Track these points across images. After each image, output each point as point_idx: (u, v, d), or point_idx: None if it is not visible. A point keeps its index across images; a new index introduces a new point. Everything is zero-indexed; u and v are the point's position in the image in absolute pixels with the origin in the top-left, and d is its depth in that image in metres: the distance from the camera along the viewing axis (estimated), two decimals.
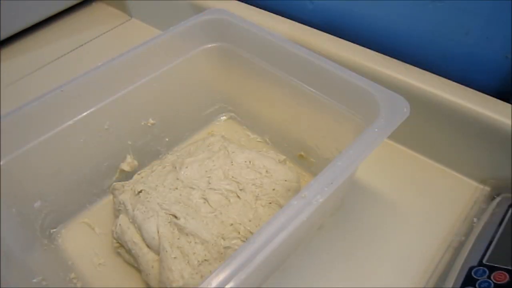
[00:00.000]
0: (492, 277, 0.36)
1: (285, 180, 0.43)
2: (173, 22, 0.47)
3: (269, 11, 0.58)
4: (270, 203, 0.41)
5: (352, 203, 0.46)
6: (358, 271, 0.41)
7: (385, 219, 0.44)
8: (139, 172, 0.48)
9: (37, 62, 0.67)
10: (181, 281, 0.36)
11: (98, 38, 0.72)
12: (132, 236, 0.40)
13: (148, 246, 0.39)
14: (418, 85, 0.45)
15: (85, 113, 0.42)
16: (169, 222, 0.40)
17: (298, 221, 0.28)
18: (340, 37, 0.52)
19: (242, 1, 0.61)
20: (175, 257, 0.37)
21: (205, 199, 0.41)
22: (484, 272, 0.36)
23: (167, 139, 0.52)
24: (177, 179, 0.43)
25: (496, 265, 0.36)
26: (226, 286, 0.26)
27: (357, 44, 0.50)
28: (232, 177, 0.42)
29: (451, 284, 0.37)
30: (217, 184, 0.42)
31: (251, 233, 0.39)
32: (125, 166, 0.48)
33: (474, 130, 0.43)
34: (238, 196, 0.41)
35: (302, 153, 0.49)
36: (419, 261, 0.41)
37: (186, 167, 0.44)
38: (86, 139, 0.43)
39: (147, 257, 0.39)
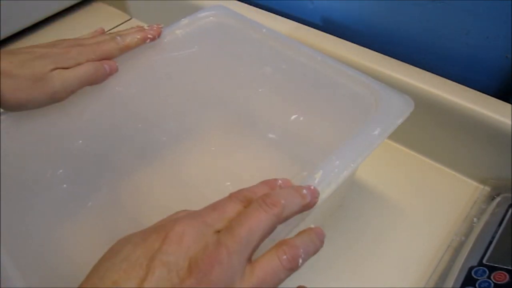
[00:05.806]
0: (492, 277, 0.36)
1: None
2: (173, 22, 0.46)
3: (269, 11, 0.58)
4: None
5: (352, 203, 0.46)
6: (358, 271, 0.41)
7: (385, 219, 0.44)
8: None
9: None
10: None
11: None
12: None
13: None
14: (418, 85, 0.45)
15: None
16: None
17: (297, 222, 0.28)
18: (340, 37, 0.52)
19: (242, 1, 0.61)
20: None
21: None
22: (484, 272, 0.36)
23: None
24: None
25: (496, 265, 0.36)
26: None
27: (357, 44, 0.51)
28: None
29: (451, 284, 0.37)
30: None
31: None
32: None
33: (474, 130, 0.43)
34: None
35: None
36: (419, 261, 0.41)
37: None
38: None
39: None
